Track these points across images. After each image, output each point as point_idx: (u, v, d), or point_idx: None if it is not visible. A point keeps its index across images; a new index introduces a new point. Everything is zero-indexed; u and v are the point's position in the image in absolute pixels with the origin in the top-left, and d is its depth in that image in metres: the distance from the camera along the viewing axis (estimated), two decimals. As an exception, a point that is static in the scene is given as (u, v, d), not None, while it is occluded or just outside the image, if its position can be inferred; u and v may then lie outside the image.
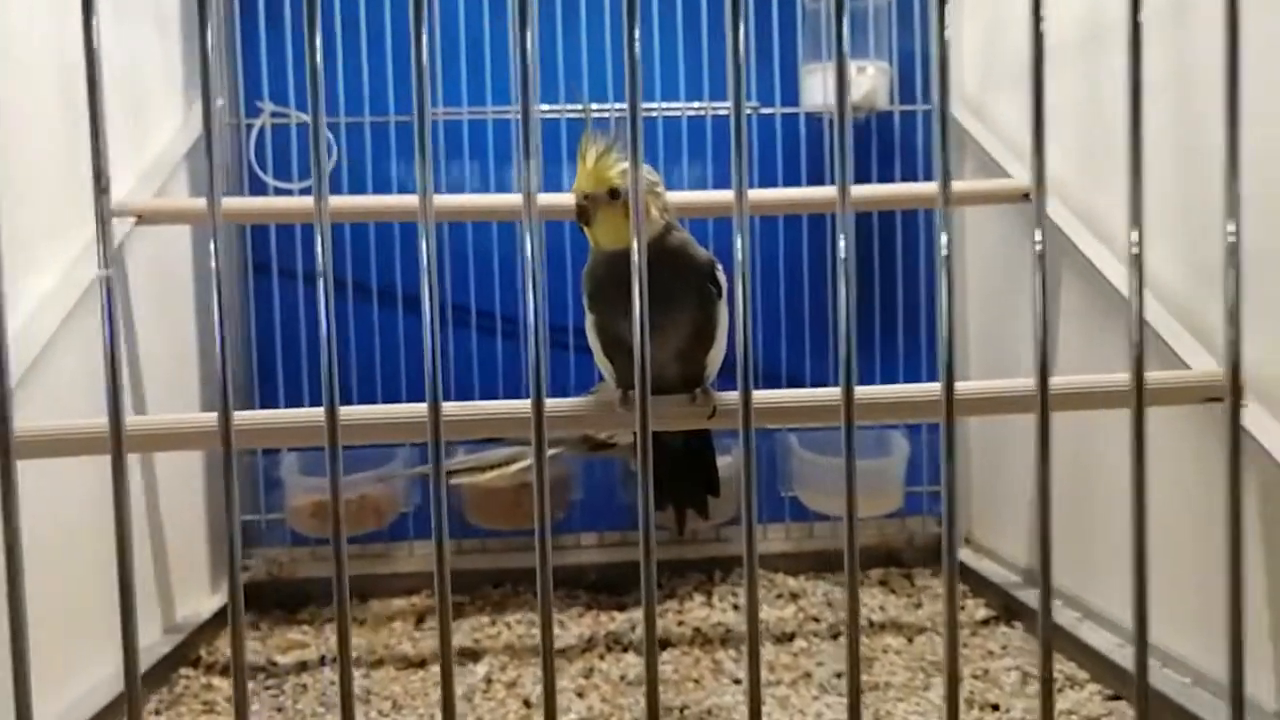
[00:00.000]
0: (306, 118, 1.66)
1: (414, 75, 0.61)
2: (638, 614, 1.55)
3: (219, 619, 1.53)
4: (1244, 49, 0.70)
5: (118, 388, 0.57)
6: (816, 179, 1.77)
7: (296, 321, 1.70)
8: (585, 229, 0.92)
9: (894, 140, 1.79)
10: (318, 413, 0.65)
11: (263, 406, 1.71)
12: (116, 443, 0.57)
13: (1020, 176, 1.48)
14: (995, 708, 1.25)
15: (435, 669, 1.41)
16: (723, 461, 1.23)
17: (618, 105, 1.72)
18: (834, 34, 0.66)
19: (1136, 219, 0.69)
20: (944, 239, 0.68)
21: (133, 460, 1.37)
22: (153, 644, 1.39)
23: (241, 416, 0.90)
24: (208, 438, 0.89)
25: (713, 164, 1.80)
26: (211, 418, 0.63)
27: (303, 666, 1.44)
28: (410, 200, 0.67)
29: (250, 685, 1.38)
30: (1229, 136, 0.70)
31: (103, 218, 0.54)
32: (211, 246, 0.55)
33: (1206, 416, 1.09)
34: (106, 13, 1.36)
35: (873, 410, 0.97)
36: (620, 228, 0.89)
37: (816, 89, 1.73)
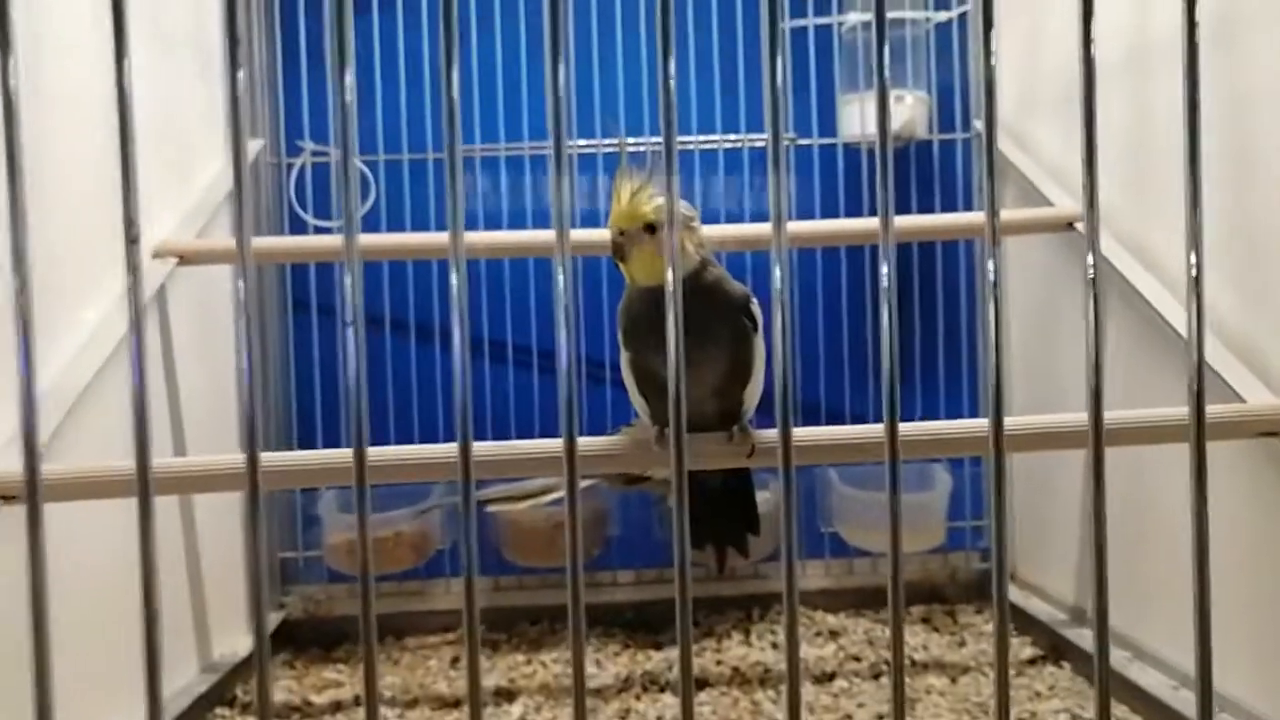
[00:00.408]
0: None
1: (445, 111, 0.60)
2: (675, 653, 1.53)
3: (253, 656, 1.52)
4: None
5: (145, 435, 0.57)
6: (855, 210, 1.75)
7: (336, 360, 1.70)
8: (620, 265, 0.91)
9: (933, 169, 1.77)
10: (346, 454, 0.64)
11: (302, 445, 1.71)
12: (144, 486, 0.56)
13: (1062, 204, 1.46)
14: (1045, 752, 1.22)
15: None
16: (761, 497, 1.21)
17: (654, 139, 1.71)
18: (873, 64, 0.65)
19: (1196, 244, 0.67)
20: (991, 266, 0.66)
21: (169, 498, 1.37)
22: (189, 683, 1.39)
23: (269, 458, 0.89)
24: (236, 480, 0.88)
25: (750, 196, 1.79)
26: (239, 459, 0.62)
27: (337, 706, 1.43)
28: (445, 237, 0.67)
29: (285, 725, 1.37)
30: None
31: (134, 268, 0.53)
32: (240, 285, 0.55)
33: (1261, 451, 1.06)
34: (149, 54, 1.39)
35: (918, 447, 0.95)
36: (656, 263, 0.88)
37: (854, 119, 1.72)
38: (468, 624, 0.66)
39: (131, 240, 0.53)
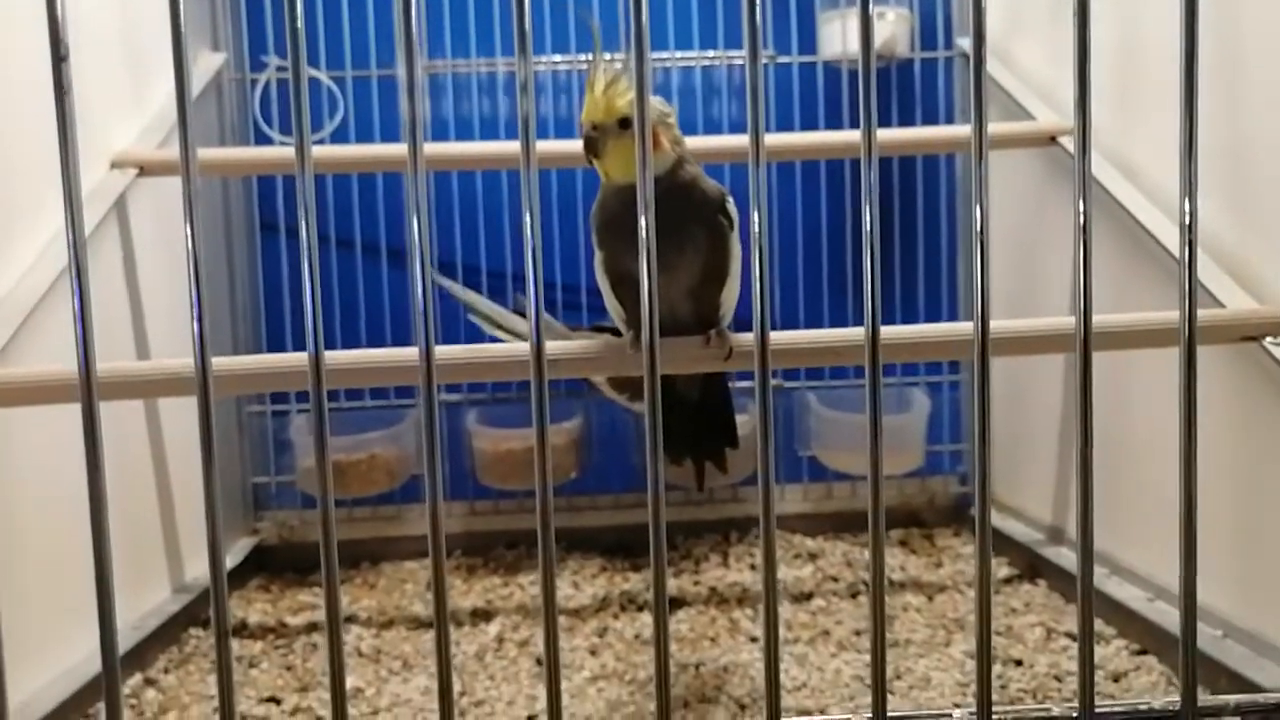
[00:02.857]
0: (313, 72, 1.62)
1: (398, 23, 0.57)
2: (652, 572, 1.52)
3: (229, 579, 1.50)
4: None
5: (88, 334, 0.55)
6: (835, 129, 1.72)
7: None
8: (594, 161, 0.88)
9: (915, 88, 1.74)
10: (302, 357, 0.62)
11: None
12: (87, 390, 0.54)
13: (1045, 119, 1.44)
14: (1019, 663, 1.22)
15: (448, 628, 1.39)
16: (740, 419, 1.19)
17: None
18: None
19: (1189, 155, 0.64)
20: (975, 179, 0.64)
21: (138, 416, 1.34)
22: (161, 603, 1.38)
23: (222, 362, 0.86)
24: (184, 384, 0.85)
25: (729, 115, 1.75)
26: (188, 363, 0.60)
27: (313, 627, 1.42)
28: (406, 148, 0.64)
29: (260, 645, 1.36)
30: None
31: (64, 89, 0.51)
32: (184, 203, 0.53)
33: (1242, 357, 1.05)
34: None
35: (899, 350, 0.93)
36: (631, 160, 0.84)
37: (835, 37, 1.68)
38: (431, 534, 0.64)
39: (60, 58, 0.50)
